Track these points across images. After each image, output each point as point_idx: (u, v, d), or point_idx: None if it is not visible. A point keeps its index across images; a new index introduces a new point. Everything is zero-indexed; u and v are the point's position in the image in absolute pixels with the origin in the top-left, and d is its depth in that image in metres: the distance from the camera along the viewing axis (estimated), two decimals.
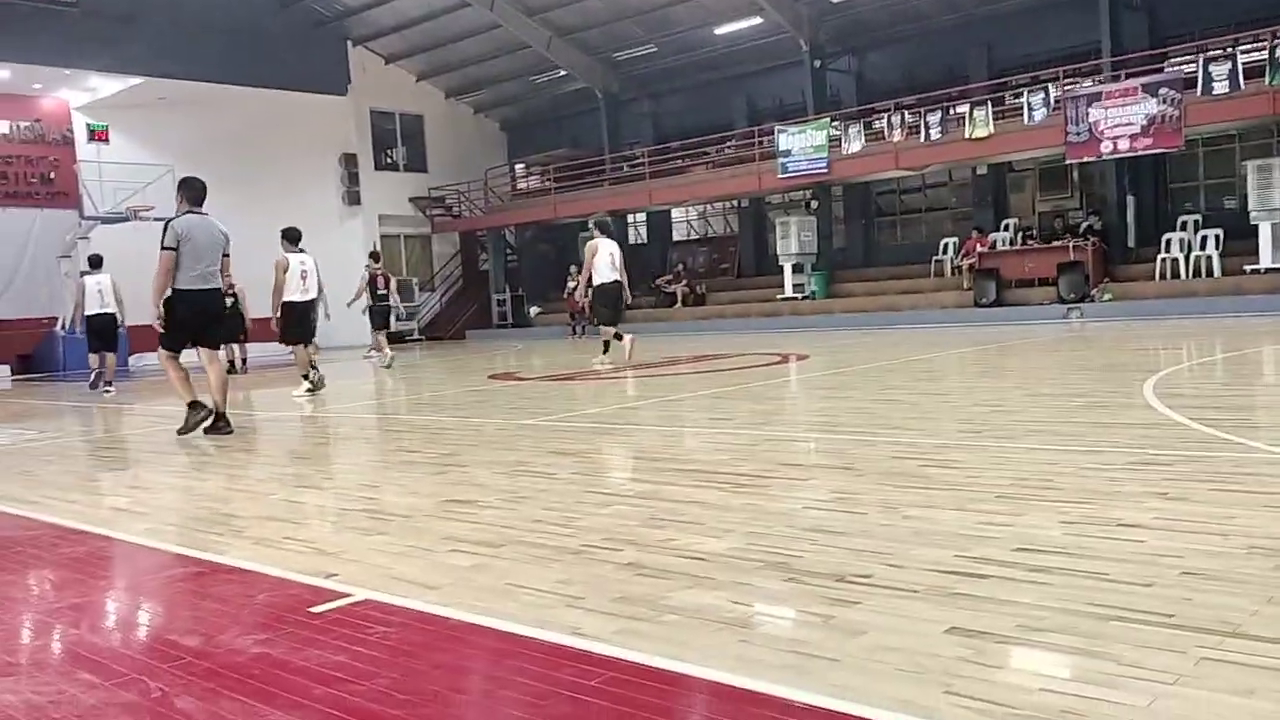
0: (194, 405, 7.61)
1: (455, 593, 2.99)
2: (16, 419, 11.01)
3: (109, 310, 13.47)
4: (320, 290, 11.84)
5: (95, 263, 13.61)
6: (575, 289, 21.94)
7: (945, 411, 6.69)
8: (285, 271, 11.30)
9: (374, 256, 17.86)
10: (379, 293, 16.71)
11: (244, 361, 16.82)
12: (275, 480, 5.52)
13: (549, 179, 27.34)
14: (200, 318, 7.60)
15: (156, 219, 20.02)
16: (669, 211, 27.65)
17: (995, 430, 5.48)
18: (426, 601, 2.91)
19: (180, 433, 7.60)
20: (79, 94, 23.07)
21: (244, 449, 7.20)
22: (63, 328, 20.08)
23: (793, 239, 21.63)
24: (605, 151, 26.41)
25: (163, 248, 7.39)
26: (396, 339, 26.22)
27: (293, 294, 11.35)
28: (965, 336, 14.45)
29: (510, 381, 12.03)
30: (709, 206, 27.52)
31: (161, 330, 7.60)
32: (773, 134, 21.75)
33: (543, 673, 2.29)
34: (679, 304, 24.24)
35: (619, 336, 12.34)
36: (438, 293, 29.39)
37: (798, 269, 21.92)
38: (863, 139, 20.55)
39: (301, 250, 11.66)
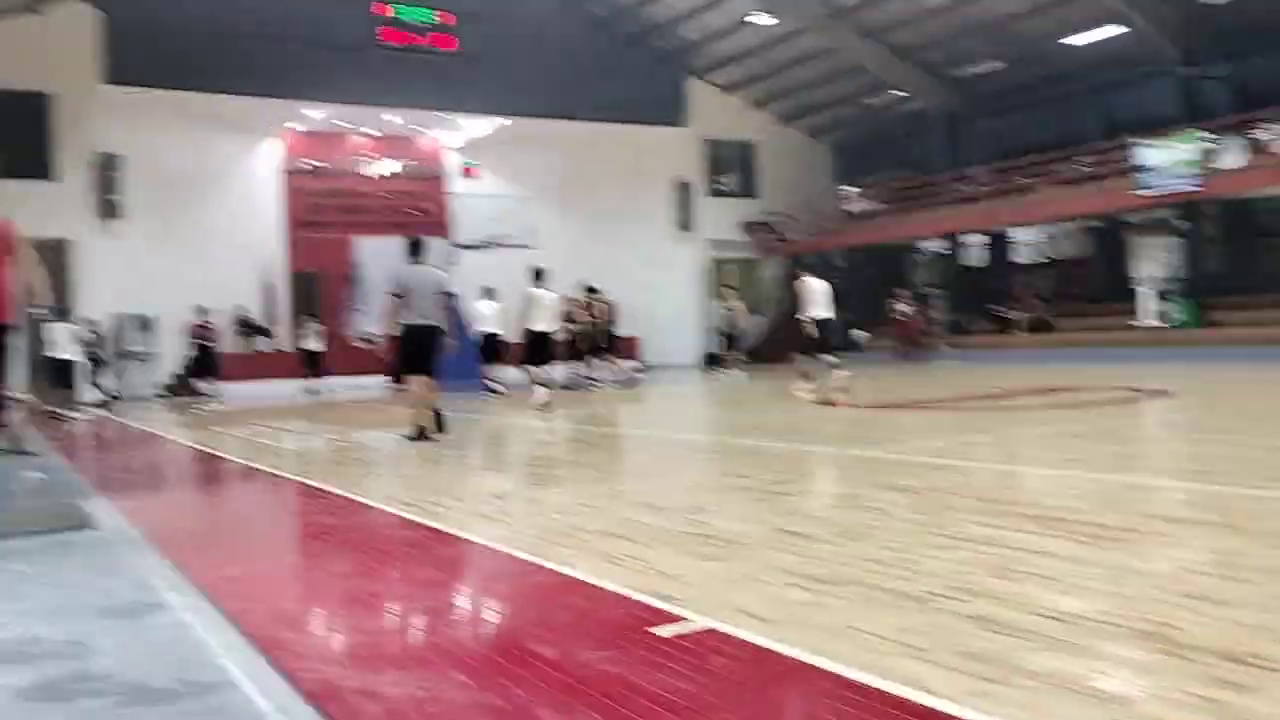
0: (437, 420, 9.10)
1: (792, 629, 2.97)
2: (392, 425, 12.37)
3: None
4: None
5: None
6: (905, 312, 21.55)
7: None
8: (532, 305, 13.21)
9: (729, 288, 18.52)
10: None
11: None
12: (615, 497, 5.78)
13: (881, 201, 26.84)
14: (422, 348, 9.01)
15: (514, 246, 21.90)
16: (1011, 233, 26.22)
17: None
18: (765, 635, 2.92)
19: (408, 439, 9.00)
20: (453, 134, 25.70)
21: (590, 465, 7.63)
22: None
23: (1155, 262, 19.77)
24: (942, 172, 25.53)
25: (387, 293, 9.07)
26: (715, 361, 26.92)
27: (537, 324, 13.12)
28: None
29: (838, 408, 11.88)
30: (1056, 227, 25.78)
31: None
32: (1131, 148, 20.01)
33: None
34: (1020, 330, 22.87)
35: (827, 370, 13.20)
36: (765, 316, 29.69)
37: (1160, 295, 19.99)
38: (1242, 153, 18.39)
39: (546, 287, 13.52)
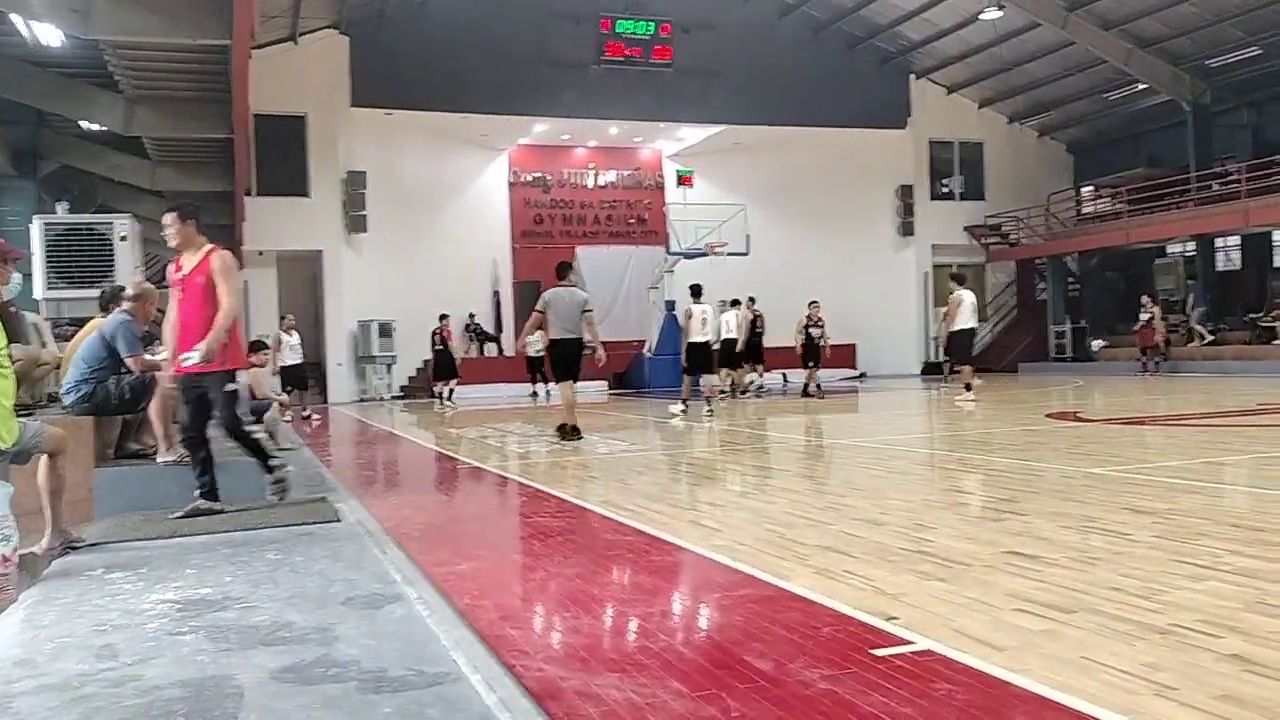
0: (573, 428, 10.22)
1: (1023, 657, 2.82)
2: (614, 431, 12.66)
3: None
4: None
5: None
6: (1150, 320, 20.19)
7: None
8: (690, 319, 14.04)
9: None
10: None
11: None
12: (833, 510, 5.67)
13: (1121, 201, 25.12)
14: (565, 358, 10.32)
15: (730, 254, 21.95)
16: (1269, 234, 23.91)
17: None
18: (992, 663, 2.78)
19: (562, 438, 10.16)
20: (670, 144, 26.09)
21: (804, 475, 7.53)
22: (649, 351, 22.77)
23: None
24: (1191, 169, 23.60)
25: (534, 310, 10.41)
26: (935, 370, 25.94)
27: (694, 335, 13.90)
28: None
29: (1071, 422, 11.20)
30: None
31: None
32: None
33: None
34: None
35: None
36: (989, 323, 28.40)
37: None
38: None
39: (701, 302, 14.21)
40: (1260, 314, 22.10)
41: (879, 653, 2.91)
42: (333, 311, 22.97)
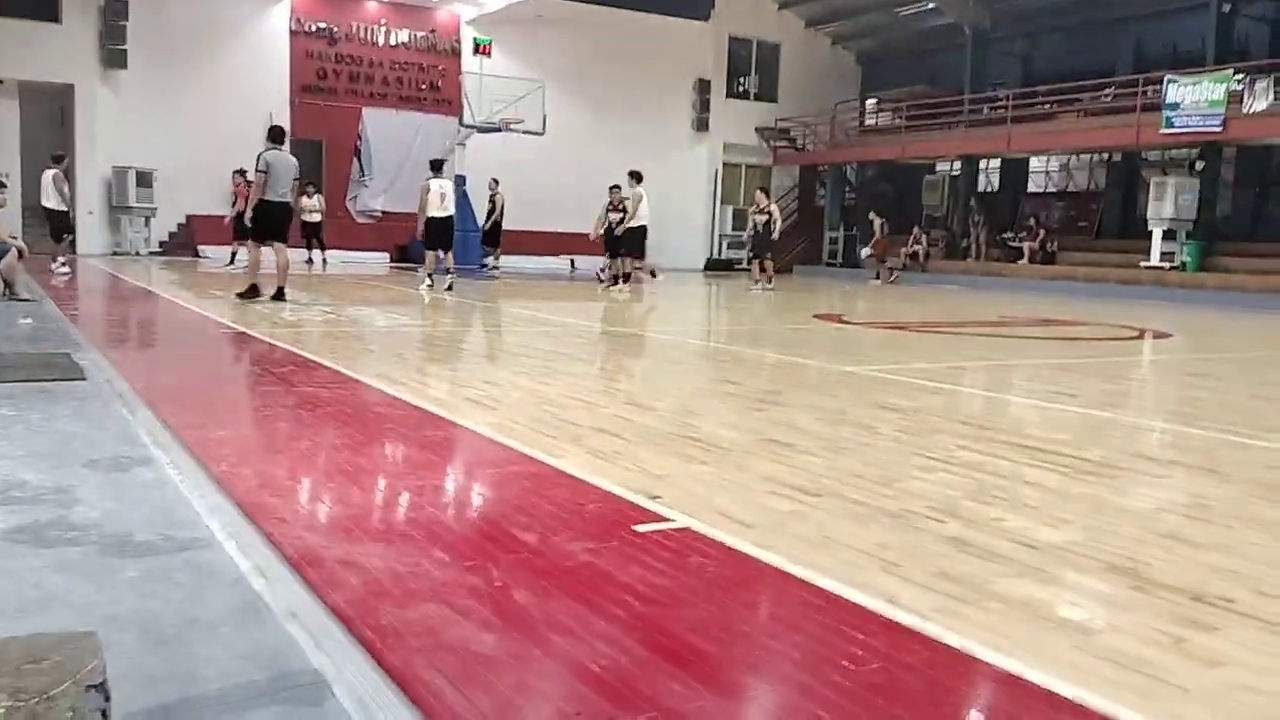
0: (254, 287, 10.77)
1: (771, 535, 3.01)
2: (393, 304, 12.35)
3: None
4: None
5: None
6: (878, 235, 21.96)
7: None
8: (428, 194, 14.27)
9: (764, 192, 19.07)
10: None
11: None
12: (608, 394, 5.80)
13: (900, 117, 26.37)
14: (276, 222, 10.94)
15: (525, 132, 21.49)
16: (1027, 161, 25.85)
17: None
18: (743, 539, 2.95)
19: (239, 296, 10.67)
20: (469, 8, 24.93)
21: (584, 360, 7.63)
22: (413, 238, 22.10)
23: (1168, 202, 19.55)
24: (965, 91, 25.01)
25: (256, 171, 10.83)
26: (724, 266, 26.77)
27: (433, 210, 14.19)
28: None
29: (835, 323, 11.88)
30: (1073, 159, 25.42)
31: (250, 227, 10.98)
32: (1160, 84, 19.57)
33: (856, 637, 2.25)
34: (1025, 260, 22.75)
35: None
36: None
37: (1169, 235, 19.82)
38: (1271, 96, 18.01)
39: (440, 177, 14.59)
40: (1011, 234, 24.02)
41: (640, 528, 3.02)
42: (85, 154, 20.90)
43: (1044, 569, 2.76)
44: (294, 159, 11.19)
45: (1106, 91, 22.29)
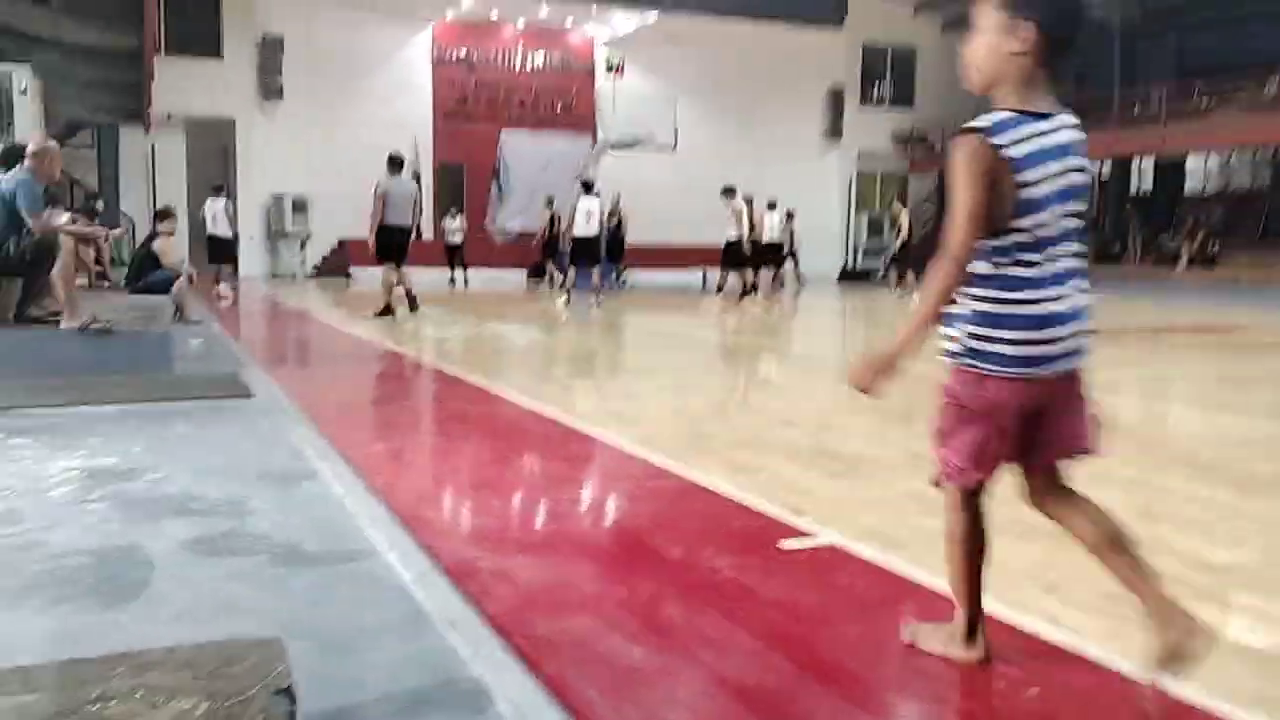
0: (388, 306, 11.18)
1: (922, 554, 2.94)
2: (530, 320, 12.63)
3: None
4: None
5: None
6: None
7: None
8: (576, 213, 14.62)
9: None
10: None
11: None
12: (745, 407, 5.79)
13: None
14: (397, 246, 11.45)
15: (657, 147, 21.71)
16: (1183, 160, 24.58)
17: None
18: (894, 557, 2.90)
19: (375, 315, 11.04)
20: (601, 29, 25.39)
21: (720, 374, 7.64)
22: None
23: None
24: (1115, 89, 23.97)
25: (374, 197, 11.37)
26: (862, 276, 26.33)
27: (579, 230, 14.49)
28: None
29: None
30: (1234, 156, 24.04)
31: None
32: None
33: (1015, 659, 2.18)
34: (1183, 264, 21.61)
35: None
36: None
37: None
38: None
39: (591, 195, 14.78)
40: (1169, 234, 22.86)
41: (784, 545, 3.01)
42: (245, 183, 22.18)
43: (1218, 591, 2.62)
44: (413, 184, 11.75)
45: (1270, 82, 21.01)
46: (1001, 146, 1.94)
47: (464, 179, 24.41)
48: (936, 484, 2.21)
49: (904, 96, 28.31)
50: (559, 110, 25.48)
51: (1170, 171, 25.07)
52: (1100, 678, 2.10)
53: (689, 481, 3.84)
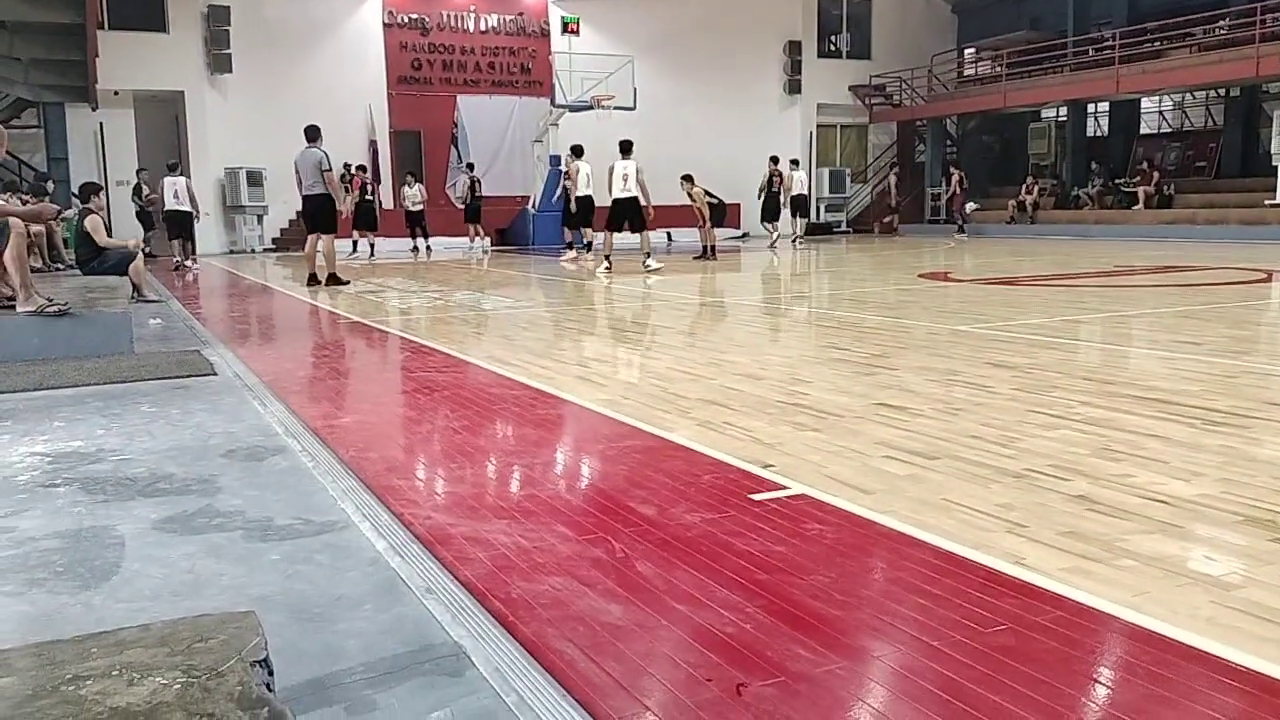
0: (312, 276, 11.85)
1: (889, 500, 3.00)
2: (497, 287, 12.57)
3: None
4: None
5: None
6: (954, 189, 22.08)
7: None
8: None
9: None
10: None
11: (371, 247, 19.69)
12: (715, 366, 5.81)
13: (1001, 65, 25.51)
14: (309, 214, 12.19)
15: (616, 108, 21.50)
16: (1137, 102, 24.75)
17: None
18: (860, 505, 2.95)
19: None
20: None
21: (687, 332, 7.65)
22: (533, 207, 22.40)
23: None
24: (1069, 34, 24.03)
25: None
26: (824, 230, 26.35)
27: (616, 192, 14.28)
28: None
29: (942, 281, 11.63)
30: (1187, 96, 24.24)
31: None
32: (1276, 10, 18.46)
33: (983, 599, 2.23)
34: (1140, 205, 21.83)
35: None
36: (869, 185, 28.89)
37: None
38: None
39: (627, 158, 14.38)
40: (1124, 179, 23.07)
41: (756, 497, 3.05)
42: (197, 158, 21.76)
43: (1177, 524, 2.69)
44: (316, 152, 11.94)
45: (1221, 24, 21.16)
46: None
47: (421, 146, 24.10)
48: None
49: (861, 49, 28.21)
50: (516, 72, 25.14)
51: (1125, 115, 25.25)
52: (1063, 609, 2.15)
53: (660, 439, 3.87)
